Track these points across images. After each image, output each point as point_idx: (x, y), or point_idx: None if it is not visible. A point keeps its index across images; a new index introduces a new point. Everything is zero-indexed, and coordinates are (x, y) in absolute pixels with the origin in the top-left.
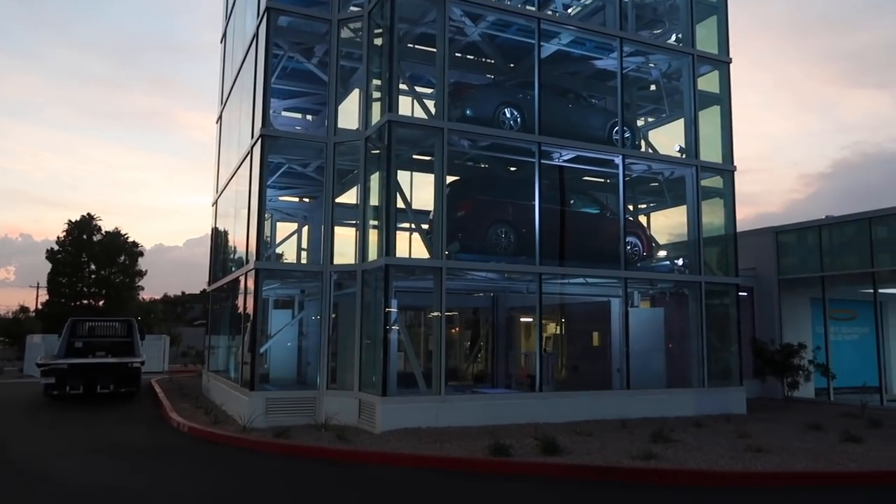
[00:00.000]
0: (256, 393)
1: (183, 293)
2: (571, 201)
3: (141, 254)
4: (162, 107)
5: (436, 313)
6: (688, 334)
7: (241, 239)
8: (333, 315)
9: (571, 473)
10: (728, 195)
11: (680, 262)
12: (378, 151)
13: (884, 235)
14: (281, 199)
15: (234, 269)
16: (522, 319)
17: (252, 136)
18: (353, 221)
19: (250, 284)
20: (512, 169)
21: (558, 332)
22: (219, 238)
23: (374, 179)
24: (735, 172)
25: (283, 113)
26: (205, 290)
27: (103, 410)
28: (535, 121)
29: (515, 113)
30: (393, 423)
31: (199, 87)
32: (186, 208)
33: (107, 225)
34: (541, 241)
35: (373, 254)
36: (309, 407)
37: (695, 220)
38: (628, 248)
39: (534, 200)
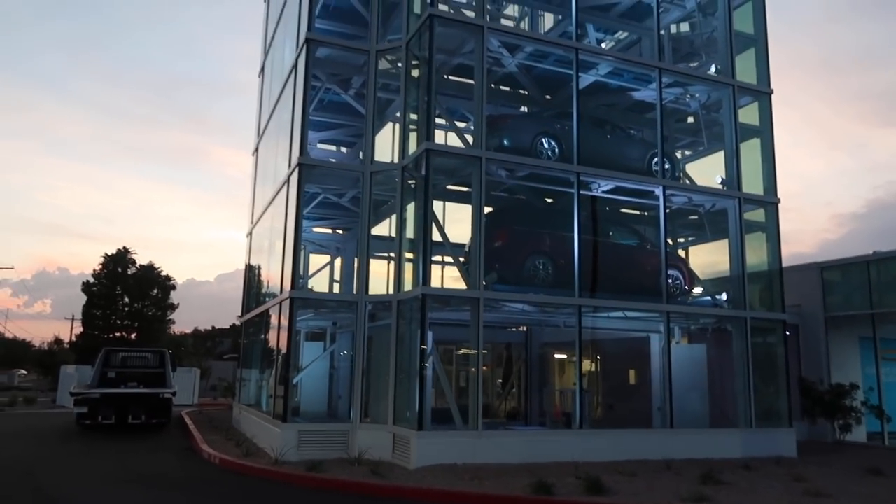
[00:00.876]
0: (288, 425)
1: (213, 328)
2: (610, 233)
3: (173, 287)
4: (196, 143)
5: (471, 347)
6: (731, 372)
7: (275, 270)
8: (367, 347)
9: None
10: (772, 228)
11: (723, 296)
12: (414, 181)
13: None
14: (314, 230)
15: (267, 300)
16: (556, 356)
17: (289, 166)
18: (385, 254)
19: (284, 314)
20: (548, 200)
21: (593, 368)
22: (252, 270)
23: (410, 210)
24: (778, 206)
25: (318, 145)
26: (235, 324)
27: (134, 440)
28: (574, 151)
29: (553, 143)
30: (428, 459)
31: (232, 123)
32: (218, 243)
33: (140, 259)
34: (580, 272)
35: (408, 284)
36: (341, 440)
37: (738, 253)
38: (669, 281)
39: (571, 231)
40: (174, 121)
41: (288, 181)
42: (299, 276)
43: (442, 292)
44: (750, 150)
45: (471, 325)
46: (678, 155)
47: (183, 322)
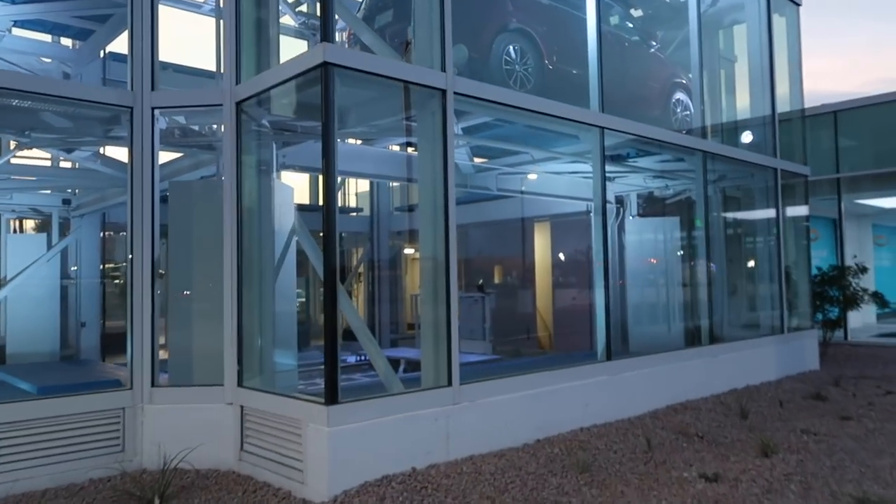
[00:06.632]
0: None
1: None
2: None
3: None
4: None
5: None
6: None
7: None
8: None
9: None
10: (794, 39)
11: (748, 137)
12: None
13: None
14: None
15: None
16: (407, 251)
17: None
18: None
19: None
20: None
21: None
22: None
23: None
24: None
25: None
26: None
27: None
28: None
29: None
30: (355, 471)
31: None
32: None
33: None
34: (600, 76)
35: (249, 64)
36: (110, 432)
37: (766, 72)
38: (678, 110)
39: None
40: None
41: None
42: None
43: (363, 63)
44: None
45: (423, 140)
46: None
47: None
